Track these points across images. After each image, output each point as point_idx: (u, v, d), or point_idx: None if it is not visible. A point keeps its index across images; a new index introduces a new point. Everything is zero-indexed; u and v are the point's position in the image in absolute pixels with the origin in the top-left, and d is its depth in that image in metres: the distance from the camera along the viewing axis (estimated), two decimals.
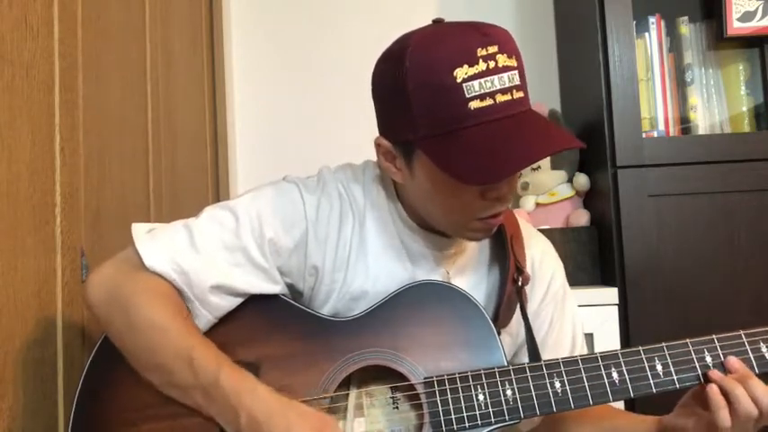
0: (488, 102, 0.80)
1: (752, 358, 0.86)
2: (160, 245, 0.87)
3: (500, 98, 0.80)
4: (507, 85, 0.81)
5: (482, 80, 0.79)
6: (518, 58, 0.83)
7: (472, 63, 0.79)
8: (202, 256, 0.87)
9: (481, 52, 0.80)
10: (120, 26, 1.23)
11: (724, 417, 0.82)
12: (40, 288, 0.90)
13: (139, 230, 0.89)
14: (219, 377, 0.79)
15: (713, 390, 0.83)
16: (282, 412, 0.78)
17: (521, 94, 0.82)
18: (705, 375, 0.85)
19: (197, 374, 0.80)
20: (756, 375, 0.84)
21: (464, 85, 0.79)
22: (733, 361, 0.86)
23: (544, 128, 0.84)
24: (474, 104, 0.79)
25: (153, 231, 0.90)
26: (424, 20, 0.90)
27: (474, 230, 0.90)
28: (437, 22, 0.88)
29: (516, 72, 0.82)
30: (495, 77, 0.80)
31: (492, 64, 0.80)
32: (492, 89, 0.80)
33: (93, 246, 1.04)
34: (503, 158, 0.79)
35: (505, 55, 0.81)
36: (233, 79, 1.96)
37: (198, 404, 0.82)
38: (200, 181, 1.70)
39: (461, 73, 0.79)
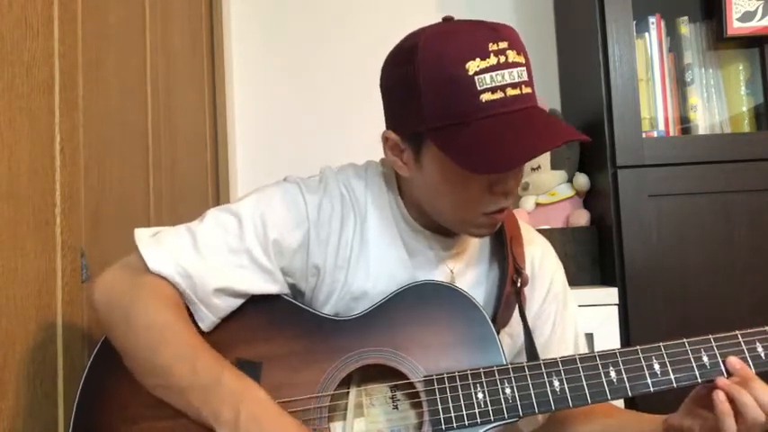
0: (499, 95, 0.81)
1: (748, 358, 0.86)
2: (164, 249, 0.88)
3: (510, 92, 0.81)
4: (517, 80, 0.82)
5: (493, 74, 0.81)
6: (526, 56, 0.85)
7: (484, 57, 0.81)
8: (206, 260, 0.87)
9: (492, 47, 0.81)
10: (120, 26, 1.23)
11: (730, 424, 0.81)
12: (40, 288, 0.90)
13: (143, 235, 0.90)
14: (222, 376, 0.80)
15: (720, 397, 0.82)
16: (281, 421, 0.78)
17: (529, 90, 0.84)
18: (710, 381, 0.85)
19: (198, 374, 0.80)
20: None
21: (476, 77, 0.80)
22: (734, 361, 0.85)
23: (552, 122, 0.85)
24: (485, 97, 0.80)
25: (157, 236, 0.90)
26: (423, 21, 0.91)
27: (479, 226, 0.90)
28: (447, 20, 0.89)
29: (525, 69, 0.84)
30: (506, 72, 0.81)
31: (503, 59, 0.81)
32: (503, 83, 0.81)
33: (93, 246, 1.04)
34: (513, 148, 0.80)
35: (515, 51, 0.83)
36: (233, 79, 1.96)
37: (190, 405, 0.81)
38: (200, 181, 1.70)
39: (473, 66, 0.80)
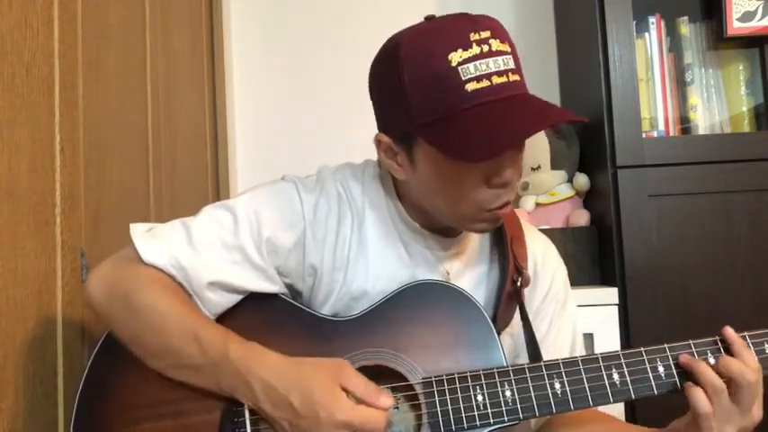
0: (485, 83, 0.80)
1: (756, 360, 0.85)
2: (158, 242, 0.88)
3: (496, 80, 0.80)
4: (502, 68, 0.81)
5: (477, 63, 0.80)
6: (511, 45, 0.84)
7: (466, 47, 0.80)
8: (200, 254, 0.88)
9: (474, 37, 0.81)
10: (120, 26, 1.23)
11: (700, 399, 0.80)
12: (40, 288, 0.90)
13: (138, 229, 0.90)
14: (228, 351, 0.80)
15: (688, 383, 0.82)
16: (295, 372, 0.79)
17: (517, 78, 0.82)
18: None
19: (205, 351, 0.81)
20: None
21: (459, 68, 0.79)
22: (729, 332, 0.85)
23: (543, 105, 0.84)
24: (471, 86, 0.79)
25: (151, 230, 0.90)
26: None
27: (479, 221, 0.89)
28: (429, 18, 0.88)
29: (510, 56, 0.83)
30: (490, 60, 0.80)
31: (486, 48, 0.80)
32: (487, 71, 0.80)
33: (93, 246, 1.04)
34: (502, 133, 0.79)
35: (498, 40, 0.82)
36: (233, 79, 1.96)
37: (210, 381, 0.82)
38: (200, 181, 1.70)
39: (456, 57, 0.79)
